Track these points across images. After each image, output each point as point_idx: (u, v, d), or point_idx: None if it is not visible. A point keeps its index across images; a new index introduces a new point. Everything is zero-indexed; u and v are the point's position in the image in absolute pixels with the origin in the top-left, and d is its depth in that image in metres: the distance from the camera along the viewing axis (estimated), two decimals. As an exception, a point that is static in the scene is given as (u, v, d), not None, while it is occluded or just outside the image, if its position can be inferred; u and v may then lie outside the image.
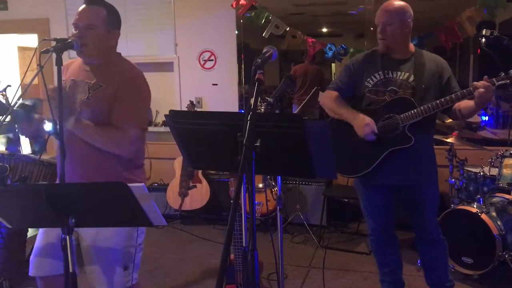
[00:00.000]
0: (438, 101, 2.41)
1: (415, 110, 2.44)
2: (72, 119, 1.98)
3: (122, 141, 2.05)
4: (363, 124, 2.51)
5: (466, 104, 2.44)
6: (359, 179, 2.73)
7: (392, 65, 2.56)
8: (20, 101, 1.96)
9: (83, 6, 2.07)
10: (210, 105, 5.03)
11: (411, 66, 2.54)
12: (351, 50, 4.64)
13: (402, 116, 2.47)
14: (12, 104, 1.99)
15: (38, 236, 2.16)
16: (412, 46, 2.59)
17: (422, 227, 2.72)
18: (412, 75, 2.52)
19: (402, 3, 2.51)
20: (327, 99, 2.72)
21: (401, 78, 2.54)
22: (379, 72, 2.57)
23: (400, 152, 2.51)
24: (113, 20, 2.12)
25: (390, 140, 2.51)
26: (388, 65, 2.57)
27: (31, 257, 2.15)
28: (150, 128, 4.61)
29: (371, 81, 2.59)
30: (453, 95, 2.39)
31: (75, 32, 2.04)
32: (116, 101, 2.04)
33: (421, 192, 2.63)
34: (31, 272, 2.13)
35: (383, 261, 2.88)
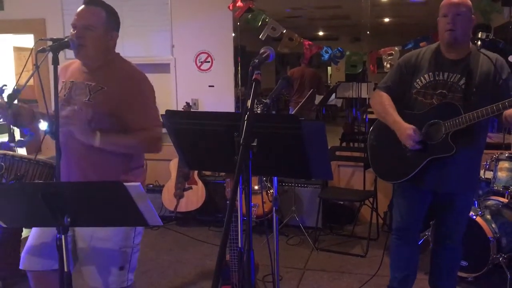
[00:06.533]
0: (484, 109, 2.29)
1: (459, 118, 2.36)
2: (97, 135, 1.98)
3: (152, 141, 2.09)
4: (406, 135, 2.46)
5: (511, 111, 2.31)
6: None
7: (444, 66, 2.48)
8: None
9: (82, 6, 2.07)
10: (206, 107, 5.03)
11: (464, 67, 2.44)
12: (347, 53, 4.65)
13: (446, 123, 2.41)
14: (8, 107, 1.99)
15: (31, 233, 2.16)
16: (471, 46, 2.48)
17: (449, 234, 2.67)
18: (464, 78, 2.43)
19: None
20: (376, 102, 2.67)
21: (451, 80, 2.46)
22: (429, 73, 2.50)
23: (442, 160, 2.45)
24: (112, 22, 2.12)
25: (432, 148, 2.46)
26: (439, 65, 2.49)
27: (22, 253, 2.14)
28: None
29: (420, 82, 2.53)
30: (499, 104, 2.25)
31: (73, 32, 2.03)
32: (128, 106, 2.05)
33: (460, 201, 2.59)
34: (22, 265, 2.13)
35: (398, 265, 2.79)
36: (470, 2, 2.44)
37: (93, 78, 2.09)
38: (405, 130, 2.48)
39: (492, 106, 2.28)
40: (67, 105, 2.06)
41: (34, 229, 2.15)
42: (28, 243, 2.14)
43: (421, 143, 2.47)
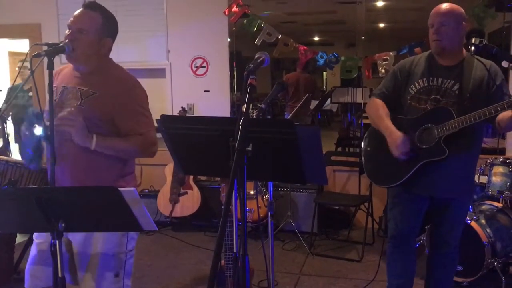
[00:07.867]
0: (476, 113, 2.28)
1: (451, 122, 2.35)
2: (93, 137, 1.97)
3: (146, 145, 2.08)
4: (395, 144, 2.48)
5: (503, 115, 2.28)
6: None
7: (438, 72, 2.49)
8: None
9: (80, 9, 2.06)
10: (201, 112, 5.03)
11: (458, 73, 2.44)
12: (343, 58, 4.67)
13: (438, 127, 2.41)
14: (2, 109, 1.98)
15: (33, 246, 2.14)
16: (464, 53, 2.49)
17: (445, 239, 2.67)
18: (457, 83, 2.43)
19: (455, 5, 2.45)
20: (371, 108, 2.68)
21: (445, 86, 2.46)
22: (424, 79, 2.51)
23: (436, 164, 2.44)
24: (108, 28, 2.09)
25: (425, 152, 2.46)
26: (433, 71, 2.50)
27: (26, 267, 2.12)
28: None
29: (414, 88, 2.54)
30: (491, 108, 2.24)
31: (67, 33, 2.03)
32: (121, 111, 2.04)
33: (455, 205, 2.58)
34: (27, 285, 2.10)
35: (394, 272, 2.78)
36: (459, 10, 2.45)
37: (85, 83, 2.07)
38: (396, 139, 2.49)
39: (484, 109, 2.28)
40: (59, 109, 2.04)
41: (35, 243, 2.13)
42: (30, 260, 2.12)
43: (411, 151, 2.46)
